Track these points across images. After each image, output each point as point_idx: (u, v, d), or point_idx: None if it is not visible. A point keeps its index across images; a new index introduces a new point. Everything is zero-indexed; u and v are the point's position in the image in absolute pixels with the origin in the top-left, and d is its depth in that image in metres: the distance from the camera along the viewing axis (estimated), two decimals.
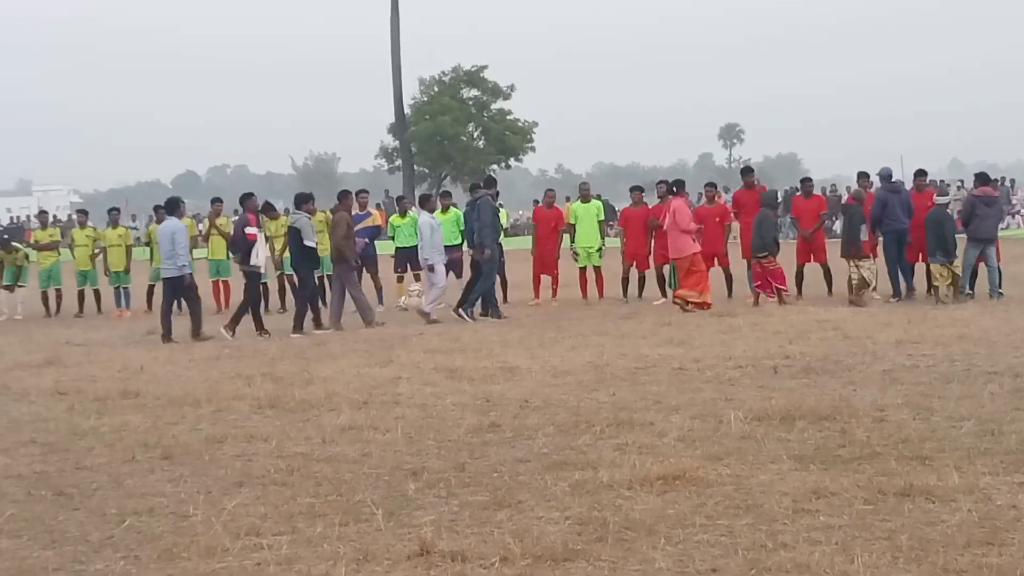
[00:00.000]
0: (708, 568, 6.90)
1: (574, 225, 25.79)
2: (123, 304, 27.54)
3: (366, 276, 25.16)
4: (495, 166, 77.40)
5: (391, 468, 9.71)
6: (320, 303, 23.05)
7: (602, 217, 25.85)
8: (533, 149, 79.35)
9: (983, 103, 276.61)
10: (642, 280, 25.34)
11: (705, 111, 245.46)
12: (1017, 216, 53.55)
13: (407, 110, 75.27)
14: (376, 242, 26.15)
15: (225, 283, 27.14)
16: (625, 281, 25.20)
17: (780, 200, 24.25)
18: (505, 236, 26.44)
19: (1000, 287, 22.64)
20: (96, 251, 27.92)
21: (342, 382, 14.45)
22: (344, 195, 24.01)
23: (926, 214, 22.60)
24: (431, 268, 22.44)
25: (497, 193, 24.69)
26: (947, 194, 23.18)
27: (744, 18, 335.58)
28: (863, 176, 25.38)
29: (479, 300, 22.66)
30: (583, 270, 25.77)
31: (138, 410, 13.03)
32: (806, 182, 26.11)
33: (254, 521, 8.17)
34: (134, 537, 8.01)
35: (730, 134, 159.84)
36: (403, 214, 26.84)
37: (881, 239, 23.60)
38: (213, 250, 27.42)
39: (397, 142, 76.58)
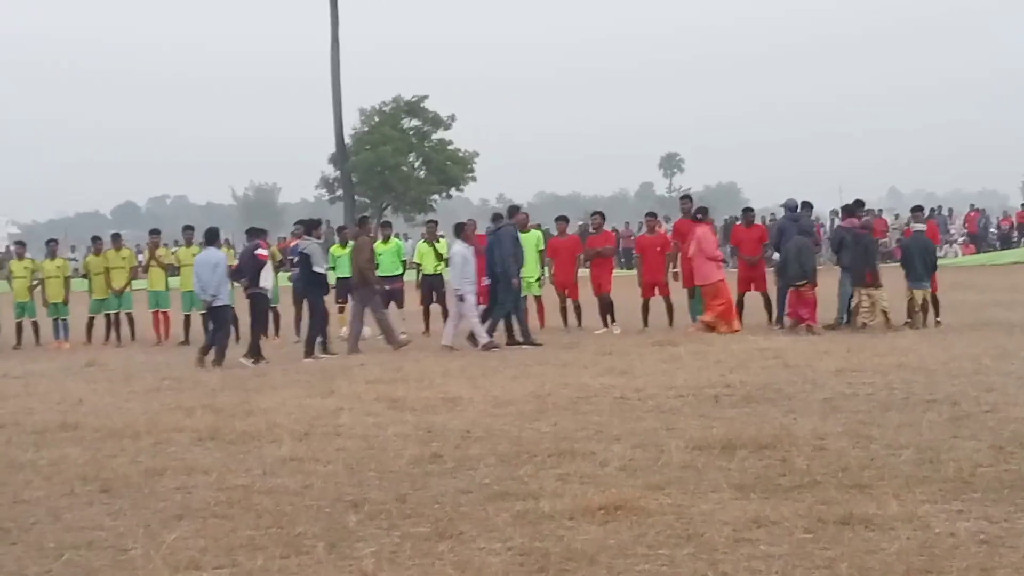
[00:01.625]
0: None
1: None
2: (61, 336, 27.39)
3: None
4: (436, 196, 77.60)
5: (332, 500, 9.67)
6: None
7: (542, 247, 25.77)
8: (474, 179, 79.43)
9: (922, 125, 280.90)
10: (578, 309, 25.35)
11: (646, 141, 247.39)
12: (955, 245, 54.12)
13: (348, 140, 75.25)
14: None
15: (165, 314, 27.12)
16: (563, 311, 25.26)
17: (818, 228, 24.49)
18: (445, 267, 26.35)
19: (938, 315, 22.94)
20: (34, 282, 27.74)
21: (283, 413, 14.41)
22: (363, 221, 24.65)
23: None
24: (461, 298, 22.31)
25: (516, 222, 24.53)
26: (923, 222, 23.58)
27: (682, 39, 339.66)
28: (859, 206, 25.45)
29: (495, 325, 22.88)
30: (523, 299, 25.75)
31: (77, 443, 12.92)
32: (747, 212, 26.28)
33: (194, 554, 8.11)
34: (72, 572, 7.95)
35: (671, 163, 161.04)
36: (344, 244, 26.82)
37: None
38: (153, 281, 27.41)
39: (338, 172, 76.53)
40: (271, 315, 26.15)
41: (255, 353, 21.37)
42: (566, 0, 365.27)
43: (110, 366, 21.67)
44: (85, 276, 28.42)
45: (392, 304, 25.64)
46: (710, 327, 22.26)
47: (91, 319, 27.55)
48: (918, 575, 7.08)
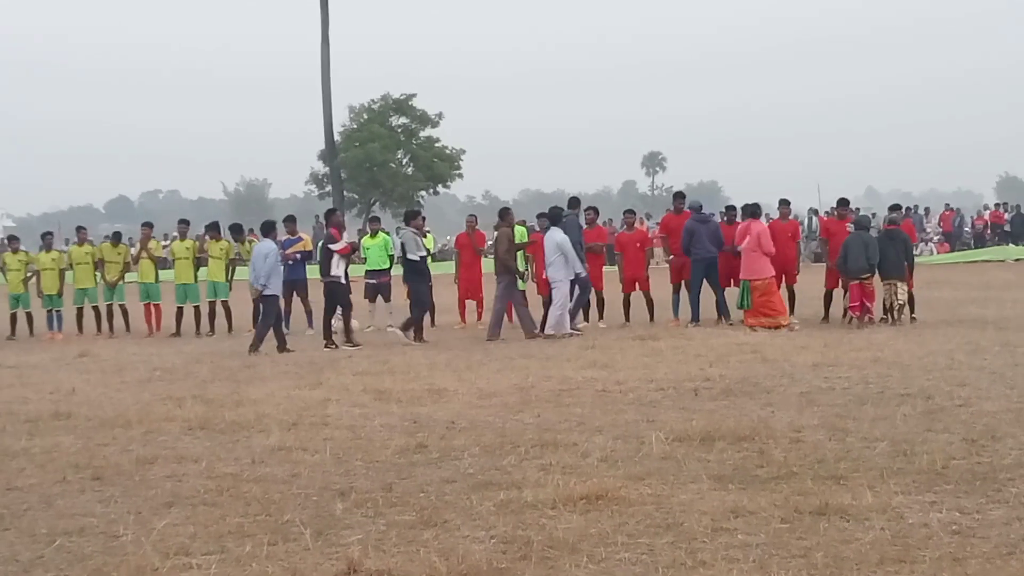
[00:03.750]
0: None
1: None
2: (55, 327, 27.42)
3: (296, 299, 25.25)
4: (423, 192, 77.67)
5: (319, 488, 9.76)
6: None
7: (525, 242, 25.91)
8: (461, 176, 79.57)
9: (899, 125, 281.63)
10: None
11: (629, 139, 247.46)
12: (930, 243, 54.39)
13: (337, 137, 75.24)
14: (307, 266, 26.14)
15: (156, 307, 27.19)
16: (545, 306, 25.32)
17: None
18: (432, 261, 26.46)
19: (913, 312, 23.23)
20: (29, 274, 27.81)
21: (272, 404, 14.48)
22: (505, 212, 24.63)
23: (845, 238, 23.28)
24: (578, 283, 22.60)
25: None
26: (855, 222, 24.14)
27: (665, 41, 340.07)
28: (895, 208, 26.59)
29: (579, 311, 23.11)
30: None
31: (69, 431, 13.00)
32: (730, 210, 26.38)
33: (183, 541, 8.20)
34: (64, 557, 8.03)
35: (653, 162, 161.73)
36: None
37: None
38: (143, 273, 27.50)
39: (327, 168, 76.51)
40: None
41: (327, 337, 22.21)
42: (549, 1, 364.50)
43: (102, 357, 21.67)
44: (71, 266, 28.51)
45: (379, 297, 25.77)
46: (769, 325, 22.24)
47: (79, 310, 27.62)
48: (892, 564, 7.18)
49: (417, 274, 22.77)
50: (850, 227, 23.84)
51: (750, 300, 22.53)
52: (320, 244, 23.88)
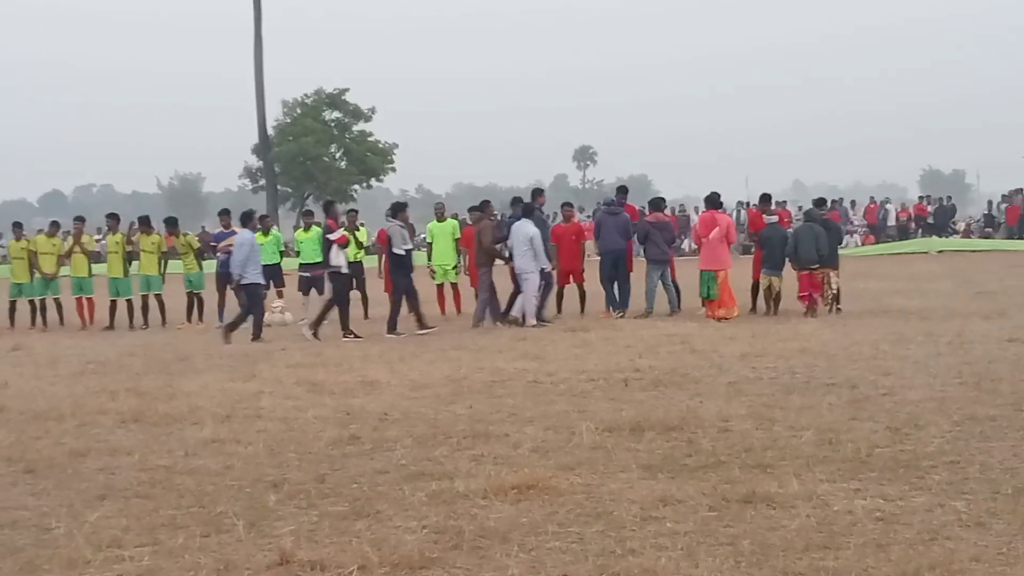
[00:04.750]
0: (559, 574, 7.09)
1: (431, 243, 26.07)
2: None
3: (230, 292, 25.22)
4: (357, 186, 77.72)
5: (253, 480, 9.80)
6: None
7: (458, 236, 25.97)
8: (394, 170, 79.77)
9: (826, 115, 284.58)
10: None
11: (560, 133, 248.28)
12: (855, 235, 55.02)
13: (271, 131, 75.14)
14: None
15: (89, 300, 27.15)
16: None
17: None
18: (366, 254, 26.49)
19: (839, 303, 23.50)
20: None
21: (206, 396, 14.47)
22: (485, 204, 24.83)
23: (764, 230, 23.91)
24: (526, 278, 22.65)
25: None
26: (774, 214, 24.67)
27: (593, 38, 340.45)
28: (822, 202, 27.45)
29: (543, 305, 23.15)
30: (440, 287, 26.13)
31: (2, 425, 12.94)
32: (660, 202, 26.55)
33: (116, 533, 8.20)
34: None
35: (584, 156, 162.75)
36: (266, 232, 26.88)
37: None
38: (75, 267, 27.41)
39: (261, 163, 76.40)
40: (197, 301, 26.32)
41: (344, 327, 22.24)
42: None
43: (36, 350, 21.59)
44: (9, 260, 28.41)
45: (313, 290, 25.75)
46: (726, 316, 22.45)
47: (12, 303, 27.50)
48: (817, 551, 7.28)
49: (402, 267, 22.77)
50: (768, 219, 24.12)
51: (716, 290, 22.73)
52: (319, 235, 24.12)
